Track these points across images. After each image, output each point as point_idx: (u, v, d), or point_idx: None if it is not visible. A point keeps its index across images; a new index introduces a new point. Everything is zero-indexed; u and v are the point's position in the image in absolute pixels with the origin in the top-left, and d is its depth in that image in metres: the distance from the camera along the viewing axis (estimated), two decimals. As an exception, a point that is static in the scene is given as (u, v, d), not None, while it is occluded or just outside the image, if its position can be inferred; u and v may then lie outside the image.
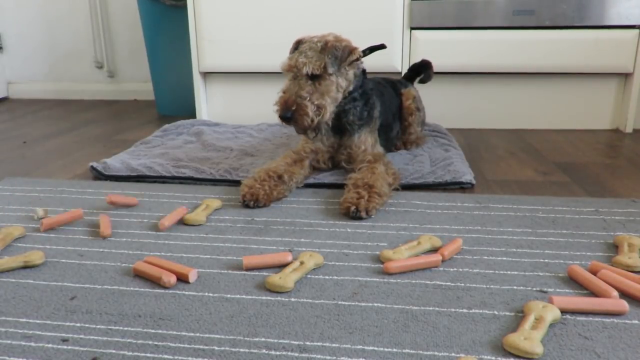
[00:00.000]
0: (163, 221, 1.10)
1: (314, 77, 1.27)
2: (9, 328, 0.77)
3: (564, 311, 0.78)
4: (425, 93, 1.86)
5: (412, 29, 1.94)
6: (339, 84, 1.31)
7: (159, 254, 0.99)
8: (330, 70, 1.27)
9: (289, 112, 1.25)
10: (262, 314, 0.80)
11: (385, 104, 1.53)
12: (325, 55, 1.27)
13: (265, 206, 1.23)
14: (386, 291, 0.86)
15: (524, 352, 0.69)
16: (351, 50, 1.30)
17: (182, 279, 0.89)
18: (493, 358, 0.69)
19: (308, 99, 1.26)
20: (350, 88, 1.35)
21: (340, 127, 1.38)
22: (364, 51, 1.47)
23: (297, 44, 1.35)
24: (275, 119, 2.07)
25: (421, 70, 1.76)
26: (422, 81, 1.77)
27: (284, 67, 1.31)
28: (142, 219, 1.16)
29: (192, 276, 0.90)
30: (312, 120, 1.27)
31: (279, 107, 1.28)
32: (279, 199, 1.26)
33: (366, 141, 1.39)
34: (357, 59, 1.33)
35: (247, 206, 1.22)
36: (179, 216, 1.14)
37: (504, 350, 0.71)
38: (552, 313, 0.76)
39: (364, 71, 1.40)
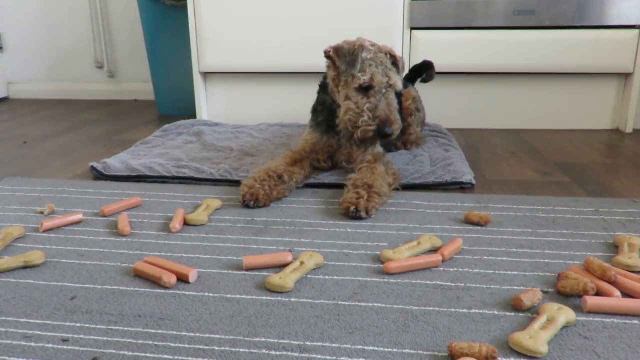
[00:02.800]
0: (174, 224, 1.09)
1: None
2: (9, 328, 0.77)
3: (595, 312, 0.78)
4: (425, 93, 1.86)
5: (412, 29, 1.94)
6: None
7: (159, 254, 0.99)
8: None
9: (390, 129, 1.27)
10: (262, 314, 0.80)
11: (385, 104, 1.53)
12: (400, 69, 1.31)
13: (265, 206, 1.23)
14: (386, 291, 0.86)
15: (527, 350, 0.69)
16: (403, 63, 1.36)
17: (182, 279, 0.89)
18: (493, 358, 0.69)
19: (396, 112, 1.31)
20: None
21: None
22: None
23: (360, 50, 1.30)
24: (275, 119, 2.09)
25: (423, 71, 1.76)
26: (423, 80, 1.77)
27: (370, 81, 1.26)
28: (142, 219, 1.16)
29: (192, 276, 0.90)
30: (398, 132, 1.32)
31: (380, 123, 1.26)
32: (278, 198, 1.26)
33: None
34: None
35: (247, 206, 1.22)
36: (182, 216, 1.14)
37: (504, 350, 0.71)
38: (565, 315, 0.75)
39: None
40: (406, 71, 1.84)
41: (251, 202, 1.22)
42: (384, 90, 1.29)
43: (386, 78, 1.28)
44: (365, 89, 1.28)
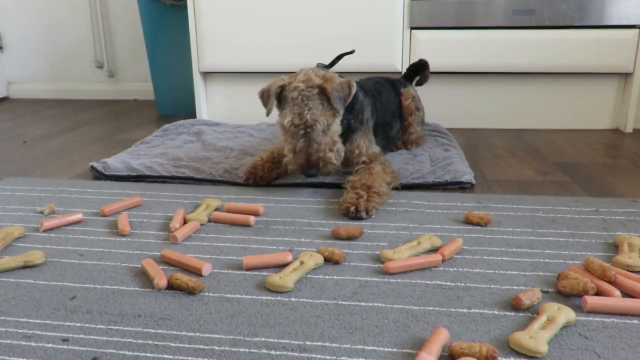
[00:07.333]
0: (174, 223, 1.09)
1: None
2: (9, 328, 0.77)
3: (595, 312, 0.78)
4: (425, 93, 1.86)
5: (412, 28, 1.94)
6: (340, 119, 1.30)
7: (158, 253, 0.99)
8: (341, 112, 1.26)
9: (314, 169, 1.25)
10: (262, 314, 0.80)
11: (383, 103, 1.53)
12: (332, 101, 1.23)
13: (267, 185, 1.35)
14: (386, 291, 0.86)
15: (527, 350, 0.69)
16: (349, 85, 1.27)
17: (196, 272, 0.91)
18: (493, 358, 0.69)
19: (328, 149, 1.25)
20: None
21: None
22: (334, 60, 1.44)
23: (281, 90, 1.28)
24: (275, 119, 2.08)
25: (418, 71, 1.76)
26: (418, 83, 1.77)
27: (289, 125, 1.24)
28: (142, 219, 1.16)
29: (206, 270, 0.91)
30: (336, 166, 1.28)
31: (299, 167, 1.25)
32: (278, 178, 1.38)
33: (360, 145, 1.38)
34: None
35: (248, 185, 1.34)
36: (182, 216, 1.14)
37: (504, 350, 0.71)
38: (565, 315, 0.75)
39: None
40: (404, 71, 1.84)
41: (250, 181, 1.35)
42: (302, 132, 1.24)
43: (303, 119, 1.22)
44: (288, 131, 1.26)
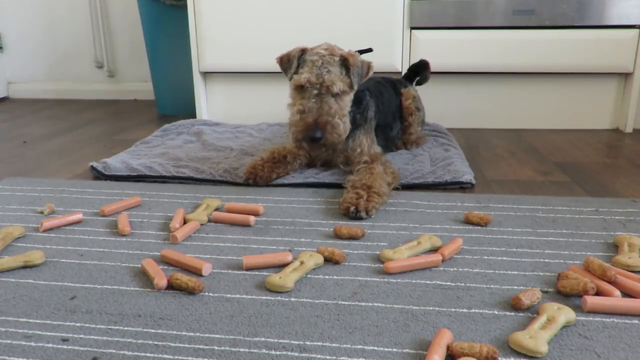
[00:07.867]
0: (174, 223, 1.09)
1: (335, 94, 1.26)
2: (9, 328, 0.77)
3: (595, 312, 0.78)
4: (425, 93, 1.86)
5: (412, 28, 1.94)
6: (351, 98, 1.33)
7: (158, 253, 0.99)
8: (355, 87, 1.29)
9: (320, 132, 1.23)
10: (262, 313, 0.80)
11: (384, 104, 1.53)
12: (351, 73, 1.26)
13: (266, 185, 1.35)
14: (386, 291, 0.86)
15: (527, 350, 0.69)
16: (369, 65, 1.31)
17: (196, 272, 0.91)
18: (493, 358, 0.69)
19: (337, 116, 1.26)
20: None
21: None
22: None
23: (302, 53, 1.30)
24: (275, 119, 2.09)
25: (419, 71, 1.76)
26: (419, 83, 1.77)
27: (303, 82, 1.25)
28: (142, 219, 1.16)
29: (206, 270, 0.91)
30: (341, 138, 1.27)
31: (305, 127, 1.24)
32: (278, 178, 1.38)
33: (362, 143, 1.39)
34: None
35: (248, 185, 1.34)
36: (182, 216, 1.13)
37: (504, 350, 0.71)
38: (565, 315, 0.75)
39: None
40: (404, 71, 1.84)
41: (250, 181, 1.35)
42: (315, 92, 1.24)
43: (320, 79, 1.24)
44: (301, 91, 1.27)
